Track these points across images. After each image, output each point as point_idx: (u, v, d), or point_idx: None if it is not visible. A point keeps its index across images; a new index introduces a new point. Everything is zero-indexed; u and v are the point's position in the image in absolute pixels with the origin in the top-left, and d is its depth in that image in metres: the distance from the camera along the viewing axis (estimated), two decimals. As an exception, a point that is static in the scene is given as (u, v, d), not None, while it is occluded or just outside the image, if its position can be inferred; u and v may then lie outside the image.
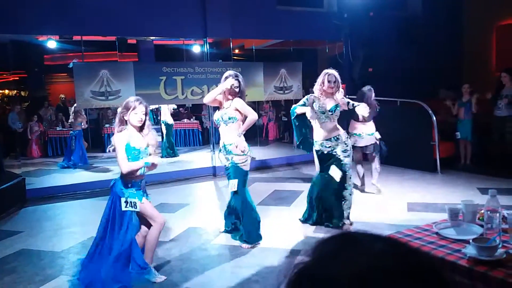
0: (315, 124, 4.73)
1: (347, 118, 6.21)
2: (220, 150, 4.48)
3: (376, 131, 6.17)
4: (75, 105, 8.86)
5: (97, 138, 11.31)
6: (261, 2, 8.73)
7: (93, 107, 8.78)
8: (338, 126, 4.75)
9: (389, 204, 5.67)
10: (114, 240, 3.51)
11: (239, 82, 4.35)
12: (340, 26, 9.29)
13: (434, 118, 7.36)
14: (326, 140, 4.66)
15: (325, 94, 4.63)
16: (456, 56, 9.93)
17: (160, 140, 9.94)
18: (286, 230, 4.84)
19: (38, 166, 9.83)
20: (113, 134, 3.66)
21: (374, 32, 8.59)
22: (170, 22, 7.86)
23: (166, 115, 10.33)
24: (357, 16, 8.97)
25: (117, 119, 3.60)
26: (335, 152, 4.63)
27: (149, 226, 3.66)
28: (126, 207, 3.48)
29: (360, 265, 0.53)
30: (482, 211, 2.35)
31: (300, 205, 5.71)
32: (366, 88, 6.24)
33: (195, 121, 12.60)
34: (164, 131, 10.23)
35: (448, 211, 2.50)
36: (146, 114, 3.57)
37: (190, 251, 4.30)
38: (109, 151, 3.55)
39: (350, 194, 4.73)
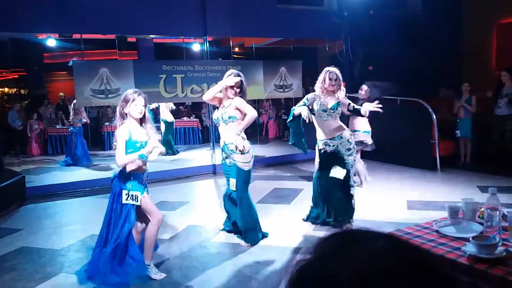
0: (317, 123, 4.68)
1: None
2: (222, 149, 4.44)
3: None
4: (74, 101, 8.86)
5: (97, 136, 11.31)
6: (261, 1, 8.72)
7: (93, 105, 8.78)
8: (342, 124, 4.71)
9: (389, 202, 5.67)
10: (112, 233, 3.52)
11: (241, 81, 4.31)
12: (340, 25, 9.29)
13: (434, 116, 7.36)
14: (330, 139, 4.61)
15: (326, 92, 4.59)
16: (456, 55, 9.92)
17: (160, 138, 9.94)
18: (286, 228, 4.84)
19: (38, 164, 9.83)
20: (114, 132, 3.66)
21: (374, 30, 8.58)
22: (170, 20, 7.85)
23: (165, 113, 10.34)
24: (357, 14, 8.96)
25: (117, 113, 3.58)
26: (338, 151, 4.60)
27: (146, 222, 3.65)
28: (127, 200, 3.48)
29: (361, 262, 0.53)
30: (482, 209, 2.36)
31: (300, 203, 5.72)
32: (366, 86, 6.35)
33: (195, 119, 12.60)
34: (163, 129, 10.24)
35: (448, 209, 2.50)
36: (145, 106, 3.56)
37: (190, 249, 4.30)
38: (115, 147, 3.53)
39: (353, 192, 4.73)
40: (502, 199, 2.31)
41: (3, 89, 14.84)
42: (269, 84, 8.70)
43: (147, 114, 3.63)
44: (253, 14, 8.54)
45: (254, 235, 4.39)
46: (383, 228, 4.29)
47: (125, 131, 3.49)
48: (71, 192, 7.07)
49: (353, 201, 4.68)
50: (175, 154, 10.21)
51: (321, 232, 4.59)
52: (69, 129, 9.71)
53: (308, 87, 11.56)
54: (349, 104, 4.68)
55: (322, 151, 4.69)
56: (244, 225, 4.37)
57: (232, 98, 4.27)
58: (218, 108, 4.44)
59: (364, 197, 5.59)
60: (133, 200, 3.49)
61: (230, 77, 4.26)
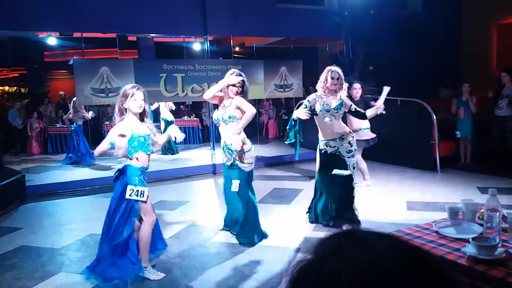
0: (319, 123, 4.65)
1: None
2: (223, 150, 4.43)
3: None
4: (74, 99, 8.86)
5: (97, 135, 11.29)
6: (262, 0, 8.72)
7: (93, 104, 8.78)
8: (344, 126, 4.70)
9: (389, 202, 5.67)
10: (117, 229, 3.51)
11: (243, 81, 4.28)
12: (340, 24, 9.29)
13: (434, 117, 7.35)
14: (331, 140, 4.59)
15: (328, 92, 4.55)
16: (457, 55, 9.92)
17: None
18: (285, 228, 4.84)
19: (38, 163, 9.84)
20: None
21: (374, 30, 8.58)
22: (170, 19, 7.85)
23: (165, 112, 10.35)
24: (358, 14, 8.96)
25: (116, 109, 3.55)
26: (339, 152, 4.57)
27: (140, 221, 3.64)
28: (130, 195, 3.45)
29: (363, 262, 0.53)
30: (482, 210, 2.35)
31: (300, 203, 5.72)
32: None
33: (195, 118, 12.60)
34: (163, 129, 10.23)
35: (448, 210, 2.50)
36: (144, 100, 3.55)
37: (189, 249, 4.30)
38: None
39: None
40: (502, 200, 2.30)
41: (3, 87, 14.84)
42: (270, 84, 8.70)
43: (147, 109, 3.63)
44: (254, 13, 8.54)
45: (251, 237, 4.37)
46: (383, 228, 4.28)
47: (124, 128, 3.48)
48: (71, 191, 7.07)
49: (354, 203, 4.67)
50: (175, 154, 10.22)
51: (321, 233, 4.59)
52: (70, 127, 9.72)
53: (308, 87, 11.56)
54: (351, 105, 4.66)
55: (323, 151, 4.66)
56: (246, 226, 4.36)
57: (233, 98, 4.25)
58: (218, 107, 4.43)
59: (364, 197, 5.59)
60: (138, 196, 3.46)
61: (232, 76, 4.23)
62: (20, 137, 11.11)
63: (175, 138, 4.03)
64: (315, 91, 4.76)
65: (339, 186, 4.60)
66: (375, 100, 6.59)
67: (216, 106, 4.50)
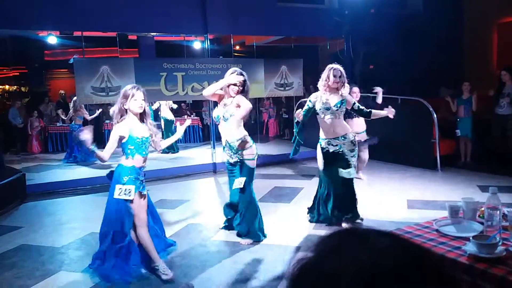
0: (320, 122, 4.63)
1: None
2: (224, 148, 4.43)
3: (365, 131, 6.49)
4: (74, 98, 8.86)
5: (98, 134, 11.30)
6: (262, -1, 8.72)
7: (93, 103, 8.77)
8: (346, 124, 4.68)
9: (390, 201, 5.67)
10: (115, 228, 3.51)
11: (244, 81, 4.28)
12: (341, 23, 9.28)
13: (435, 115, 7.35)
14: (333, 138, 4.57)
15: (330, 90, 4.53)
16: (457, 54, 9.92)
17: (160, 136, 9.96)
18: (286, 227, 4.84)
19: (38, 162, 9.84)
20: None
21: (375, 29, 8.58)
22: (170, 18, 7.84)
23: (165, 111, 10.35)
24: (358, 13, 8.96)
25: (116, 110, 3.53)
26: (342, 151, 4.55)
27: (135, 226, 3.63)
28: (119, 194, 3.44)
29: (363, 260, 0.53)
30: (483, 209, 2.35)
31: (300, 202, 5.72)
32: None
33: (196, 117, 12.60)
34: (163, 127, 10.25)
35: (448, 208, 2.50)
36: (144, 100, 3.54)
37: (190, 248, 4.30)
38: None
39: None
40: (502, 199, 2.30)
41: (4, 86, 14.84)
42: (270, 83, 8.70)
43: (147, 110, 3.62)
44: (254, 12, 8.54)
45: (257, 232, 4.39)
46: (384, 227, 4.29)
47: (123, 129, 3.48)
48: (71, 190, 7.07)
49: (357, 201, 4.68)
50: (175, 152, 10.22)
51: (322, 231, 4.59)
52: (69, 126, 9.72)
53: (308, 85, 11.55)
54: (354, 103, 4.63)
55: (325, 150, 4.63)
56: (248, 222, 4.36)
57: (234, 97, 4.24)
58: (217, 105, 4.42)
59: (364, 196, 5.59)
60: (125, 194, 3.45)
61: (233, 75, 4.20)
62: (21, 136, 11.12)
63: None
64: (316, 89, 4.75)
65: (342, 185, 4.59)
66: (374, 99, 6.63)
67: (216, 104, 4.49)
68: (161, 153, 9.96)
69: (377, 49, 8.96)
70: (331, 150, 4.59)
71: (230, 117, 4.22)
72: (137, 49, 10.34)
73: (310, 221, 4.92)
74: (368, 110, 4.68)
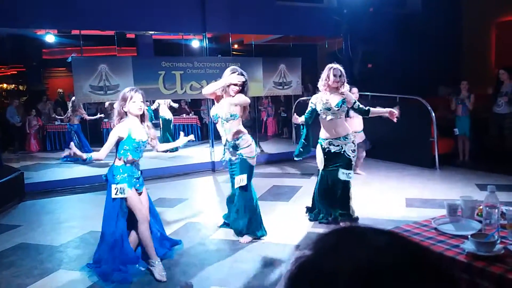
0: (322, 122, 4.62)
1: None
2: (224, 147, 4.41)
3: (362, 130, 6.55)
4: (73, 98, 8.85)
5: (96, 133, 11.30)
6: (261, -3, 8.71)
7: (91, 102, 8.77)
8: (347, 125, 4.68)
9: (388, 199, 5.68)
10: (111, 227, 3.53)
11: (244, 81, 4.27)
12: (339, 22, 9.28)
13: (433, 114, 7.36)
14: (335, 139, 4.56)
15: (330, 90, 4.52)
16: (455, 53, 9.93)
17: (158, 135, 9.96)
18: (284, 225, 4.85)
19: (36, 160, 9.82)
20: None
21: (373, 28, 8.58)
22: (169, 16, 7.83)
23: (164, 110, 10.34)
24: (357, 12, 8.96)
25: (115, 113, 3.57)
26: (344, 151, 4.54)
27: (136, 223, 3.64)
28: (116, 194, 3.48)
29: (362, 259, 0.53)
30: (481, 207, 2.36)
31: (299, 201, 5.72)
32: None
33: (194, 116, 12.59)
34: (161, 126, 10.25)
35: (447, 206, 2.50)
36: (143, 102, 3.56)
37: (189, 246, 4.30)
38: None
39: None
40: (500, 197, 2.31)
41: (1, 85, 14.81)
42: (268, 81, 8.70)
43: (146, 112, 3.63)
44: (253, 11, 8.53)
45: (257, 230, 4.40)
46: (382, 225, 4.30)
47: (122, 129, 3.49)
48: (70, 189, 7.07)
49: (351, 200, 4.68)
50: (173, 151, 10.20)
51: (320, 229, 4.60)
52: (67, 126, 9.71)
53: (307, 84, 11.55)
54: (355, 102, 4.62)
55: (326, 150, 4.62)
56: (246, 220, 4.36)
57: (233, 96, 4.23)
58: (214, 103, 4.40)
59: (363, 194, 5.60)
60: (120, 193, 3.48)
61: (234, 75, 4.19)
62: (19, 134, 11.11)
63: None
64: (314, 88, 4.76)
65: (341, 185, 4.60)
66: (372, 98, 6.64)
67: (213, 103, 4.48)
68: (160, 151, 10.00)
69: (375, 48, 8.96)
70: (332, 150, 4.59)
71: (230, 117, 4.22)
72: (135, 47, 10.35)
73: (310, 219, 4.92)
74: (366, 108, 4.67)
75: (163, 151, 9.80)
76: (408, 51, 8.81)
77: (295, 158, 5.03)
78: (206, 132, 11.67)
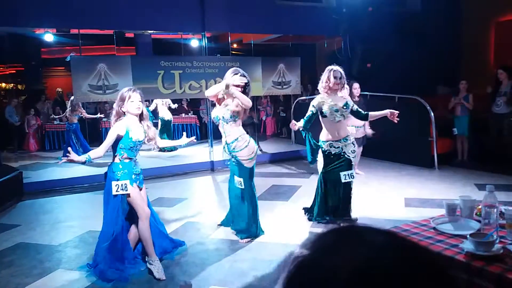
0: (327, 124, 4.59)
1: None
2: (224, 148, 4.41)
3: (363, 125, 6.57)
4: (72, 98, 8.84)
5: (95, 132, 11.30)
6: (260, -3, 8.70)
7: (90, 101, 8.76)
8: (347, 127, 4.69)
9: (387, 199, 5.68)
10: (110, 225, 3.53)
11: (246, 83, 4.27)
12: (339, 21, 9.28)
13: (432, 114, 7.36)
14: (336, 141, 4.56)
15: (331, 92, 4.52)
16: (455, 52, 9.93)
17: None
18: (283, 224, 4.85)
19: (35, 160, 9.81)
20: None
21: (372, 27, 8.58)
22: (168, 16, 7.83)
23: (162, 111, 10.32)
24: (356, 11, 8.95)
25: (114, 113, 3.58)
26: (344, 152, 4.54)
27: (136, 220, 3.64)
28: (117, 190, 3.48)
29: (361, 258, 0.53)
30: (480, 207, 2.36)
31: (298, 200, 5.73)
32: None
33: (193, 115, 12.58)
34: (159, 128, 10.23)
35: (445, 206, 2.51)
36: (141, 101, 3.56)
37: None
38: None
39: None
40: (499, 197, 2.31)
41: (0, 84, 14.79)
42: (268, 81, 8.69)
43: (145, 111, 3.64)
44: (252, 10, 8.53)
45: (252, 230, 4.40)
46: (381, 225, 4.30)
47: (121, 127, 3.49)
48: (69, 188, 7.06)
49: (351, 199, 4.69)
50: (171, 151, 10.20)
51: (319, 229, 4.60)
52: (66, 125, 9.70)
53: (306, 84, 11.55)
54: (353, 105, 4.61)
55: (327, 152, 4.61)
56: (247, 221, 4.37)
57: (234, 98, 4.23)
58: (216, 105, 4.41)
59: (361, 194, 5.60)
60: (122, 189, 3.49)
61: (237, 76, 4.20)
62: (18, 134, 11.09)
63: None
64: (313, 88, 4.75)
65: (343, 185, 4.59)
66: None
67: (213, 104, 4.48)
68: (158, 151, 10.00)
69: (375, 48, 8.96)
70: (333, 152, 4.59)
71: (231, 119, 4.22)
72: (134, 47, 10.33)
73: (309, 219, 4.92)
74: (365, 113, 4.67)
75: (162, 150, 9.86)
76: (407, 50, 8.81)
77: (311, 165, 4.98)
78: (205, 132, 11.66)
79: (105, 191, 3.60)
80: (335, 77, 4.46)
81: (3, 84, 14.83)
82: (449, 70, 9.54)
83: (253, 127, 9.07)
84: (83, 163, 3.54)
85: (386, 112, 4.59)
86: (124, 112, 3.54)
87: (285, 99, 12.25)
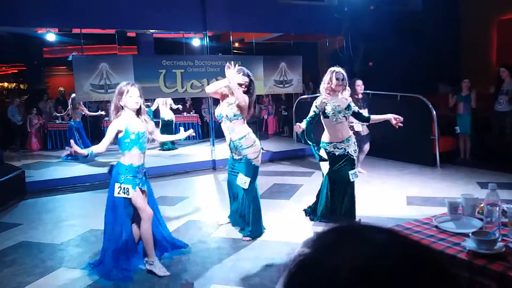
0: (329, 126, 4.57)
1: None
2: (229, 147, 4.40)
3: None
4: (73, 95, 8.85)
5: (97, 131, 11.30)
6: (261, -4, 8.69)
7: (92, 100, 8.77)
8: (348, 128, 4.68)
9: (389, 198, 5.68)
10: (114, 225, 3.53)
11: (249, 82, 4.26)
12: (340, 20, 9.27)
13: (434, 112, 7.35)
14: (339, 142, 4.54)
15: (333, 93, 4.50)
16: (456, 51, 9.90)
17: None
18: (285, 223, 4.85)
19: (37, 159, 9.83)
20: None
21: (374, 26, 8.56)
22: (169, 15, 7.83)
23: (163, 111, 10.31)
24: (358, 10, 8.94)
25: (112, 106, 3.57)
26: (347, 152, 4.54)
27: (139, 219, 3.65)
28: (118, 193, 3.48)
29: (362, 256, 0.53)
30: (482, 205, 2.36)
31: (300, 199, 5.73)
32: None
33: (195, 114, 12.58)
34: (160, 128, 10.23)
35: (447, 204, 2.50)
36: (140, 96, 3.55)
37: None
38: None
39: None
40: (501, 195, 2.30)
41: (2, 83, 14.84)
42: (269, 80, 8.69)
43: (143, 106, 3.63)
44: (253, 9, 8.52)
45: (258, 229, 4.41)
46: (383, 223, 4.29)
47: (120, 123, 3.49)
48: (71, 187, 7.07)
49: (355, 199, 4.69)
50: (172, 149, 10.19)
51: (321, 227, 4.58)
52: (69, 123, 9.71)
53: (308, 83, 11.53)
54: (354, 107, 4.60)
55: (331, 153, 4.59)
56: (249, 218, 4.37)
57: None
58: (219, 103, 4.41)
59: (364, 192, 5.59)
60: (124, 193, 3.49)
61: (239, 75, 4.21)
62: (20, 133, 11.12)
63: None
64: (315, 86, 4.74)
65: (348, 186, 4.58)
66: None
67: (216, 102, 4.48)
68: (159, 149, 10.01)
69: (376, 46, 8.94)
70: (337, 153, 4.57)
71: (234, 117, 4.22)
72: (136, 46, 10.33)
73: (312, 219, 4.89)
74: (367, 116, 4.67)
75: (163, 149, 9.87)
76: (409, 49, 8.79)
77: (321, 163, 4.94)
78: (207, 131, 11.66)
79: (109, 190, 3.60)
80: (337, 79, 4.44)
81: (6, 84, 14.87)
82: (451, 69, 9.52)
83: (255, 125, 9.08)
84: (86, 156, 3.54)
85: (389, 116, 4.56)
86: (122, 106, 3.53)
87: (286, 98, 12.24)
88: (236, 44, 11.73)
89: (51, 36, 8.87)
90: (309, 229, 4.64)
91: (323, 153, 4.65)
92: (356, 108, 4.62)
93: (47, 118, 11.99)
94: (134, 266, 3.67)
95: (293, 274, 0.56)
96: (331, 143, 4.57)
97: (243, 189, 4.33)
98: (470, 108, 7.53)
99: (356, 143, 4.69)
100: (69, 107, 9.52)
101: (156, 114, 10.33)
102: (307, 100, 9.24)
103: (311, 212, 4.95)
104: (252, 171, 4.31)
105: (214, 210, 5.46)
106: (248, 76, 4.27)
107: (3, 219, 5.52)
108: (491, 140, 7.43)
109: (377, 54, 9.06)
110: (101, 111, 10.38)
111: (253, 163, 4.30)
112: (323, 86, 4.55)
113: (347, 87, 4.64)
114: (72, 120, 9.55)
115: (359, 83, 6.66)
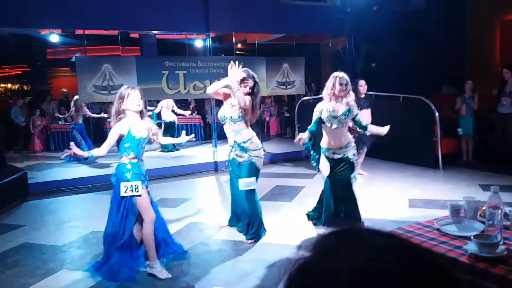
0: (326, 131, 4.55)
1: None
2: (232, 148, 4.41)
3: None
4: (76, 97, 8.87)
5: (99, 132, 11.33)
6: (264, -3, 8.70)
7: (95, 101, 8.79)
8: (349, 133, 4.64)
9: (391, 200, 5.66)
10: (117, 226, 3.53)
11: (254, 83, 4.25)
12: (343, 21, 9.26)
13: (437, 114, 7.33)
14: (338, 148, 4.50)
15: (335, 98, 4.47)
16: (460, 52, 9.88)
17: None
18: (287, 225, 4.85)
19: (40, 160, 9.85)
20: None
21: (377, 27, 8.55)
22: (172, 16, 7.84)
23: (166, 113, 10.32)
24: (360, 10, 8.93)
25: (113, 111, 3.57)
26: (347, 156, 4.51)
27: (141, 220, 3.65)
28: (125, 192, 3.46)
29: (362, 259, 0.53)
30: (484, 208, 2.35)
31: (302, 201, 5.72)
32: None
33: (197, 116, 12.59)
34: (162, 130, 10.25)
35: (449, 207, 2.49)
36: (142, 99, 3.55)
37: (191, 246, 4.30)
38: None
39: None
40: (504, 198, 2.29)
41: (6, 85, 14.89)
42: (272, 81, 8.69)
43: (144, 111, 3.64)
44: (256, 10, 8.52)
45: (258, 231, 4.40)
46: (385, 226, 4.29)
47: (123, 127, 3.49)
48: (73, 188, 7.08)
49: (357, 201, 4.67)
50: (173, 151, 10.18)
51: (322, 230, 4.58)
52: (71, 125, 9.74)
53: (310, 84, 11.53)
54: (356, 114, 4.55)
55: (331, 158, 4.57)
56: (249, 221, 4.37)
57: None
58: (222, 104, 4.41)
59: (365, 195, 5.58)
60: (132, 191, 3.46)
61: (239, 71, 4.22)
62: (23, 134, 11.15)
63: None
64: (318, 88, 4.74)
65: (348, 189, 4.57)
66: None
67: (219, 104, 4.49)
68: (160, 151, 10.02)
69: (379, 47, 8.93)
70: (336, 158, 4.55)
71: (238, 119, 4.21)
72: (139, 47, 10.38)
73: (315, 224, 4.87)
74: (365, 124, 4.68)
75: (164, 150, 9.87)
76: (412, 50, 8.78)
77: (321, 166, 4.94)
78: (209, 132, 11.67)
79: (113, 191, 3.59)
80: (340, 84, 4.39)
81: (9, 85, 14.91)
82: (454, 70, 9.50)
83: (257, 127, 9.07)
84: (86, 158, 3.54)
85: (385, 131, 4.56)
86: (124, 110, 3.53)
87: (289, 99, 12.23)
88: (239, 45, 11.74)
89: (54, 37, 8.92)
90: (311, 231, 4.63)
91: (323, 158, 4.62)
92: (357, 117, 4.56)
93: (50, 119, 12.02)
94: (136, 263, 3.67)
95: (294, 277, 0.57)
96: (330, 149, 4.54)
97: (245, 192, 4.32)
98: (472, 109, 7.51)
99: (355, 147, 4.65)
100: (72, 109, 9.54)
101: (159, 116, 10.34)
102: (309, 101, 9.24)
103: (314, 217, 4.93)
104: (254, 172, 4.31)
105: (216, 212, 5.46)
106: (253, 78, 4.26)
107: (5, 220, 5.54)
108: (494, 141, 7.41)
109: (379, 55, 9.05)
110: (104, 113, 10.40)
111: (256, 166, 4.30)
112: (325, 91, 4.50)
113: (351, 92, 4.61)
114: (74, 122, 9.56)
115: (362, 83, 6.63)
